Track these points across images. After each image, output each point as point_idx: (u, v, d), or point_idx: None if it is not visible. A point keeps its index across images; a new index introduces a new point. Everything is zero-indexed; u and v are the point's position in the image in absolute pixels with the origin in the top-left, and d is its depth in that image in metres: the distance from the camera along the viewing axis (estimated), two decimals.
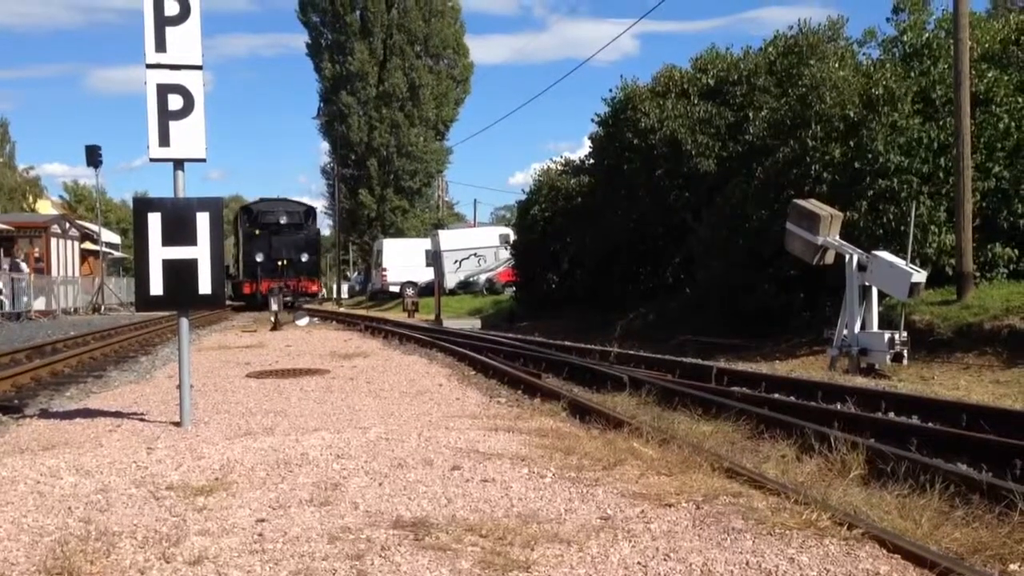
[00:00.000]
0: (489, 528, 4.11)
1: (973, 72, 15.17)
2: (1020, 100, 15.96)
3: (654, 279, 24.32)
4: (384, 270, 42.68)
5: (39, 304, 29.93)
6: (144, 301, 7.27)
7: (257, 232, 36.58)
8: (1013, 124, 15.64)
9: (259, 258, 35.89)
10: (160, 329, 20.39)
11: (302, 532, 4.13)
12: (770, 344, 15.83)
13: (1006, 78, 16.13)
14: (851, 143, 16.19)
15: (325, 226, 57.73)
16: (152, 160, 7.14)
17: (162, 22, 7.10)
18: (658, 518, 4.27)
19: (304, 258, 36.82)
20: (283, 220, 36.87)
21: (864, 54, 19.62)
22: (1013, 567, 3.82)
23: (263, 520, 4.34)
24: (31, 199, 55.34)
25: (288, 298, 33.77)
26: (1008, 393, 10.26)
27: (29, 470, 5.49)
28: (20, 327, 23.71)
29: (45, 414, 8.19)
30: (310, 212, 39.99)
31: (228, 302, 45.01)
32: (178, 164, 7.25)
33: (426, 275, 38.15)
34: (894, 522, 4.37)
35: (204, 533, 4.13)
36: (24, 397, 9.85)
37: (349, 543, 3.96)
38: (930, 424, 7.52)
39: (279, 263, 35.82)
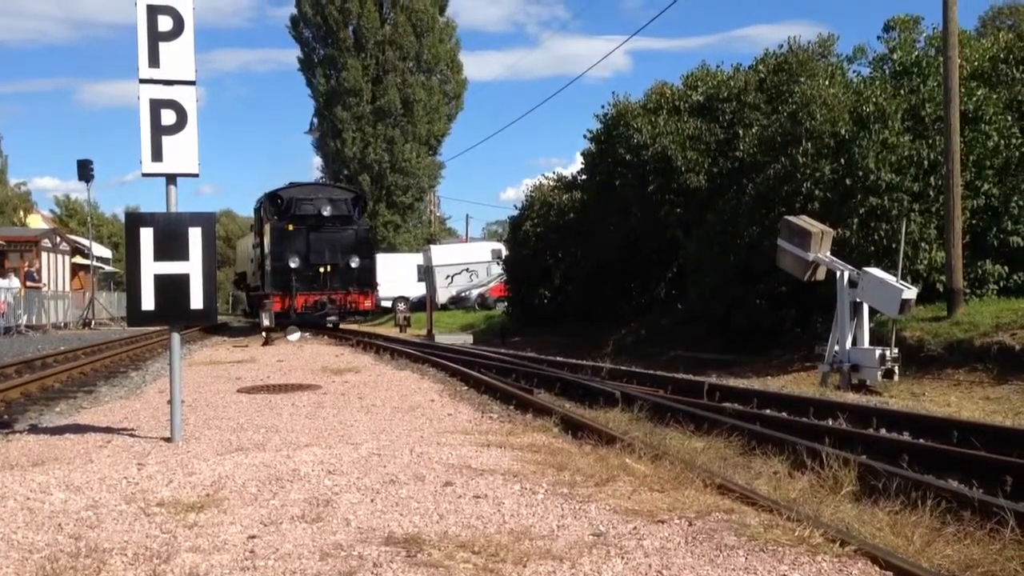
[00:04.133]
0: (481, 544, 4.10)
1: (962, 90, 15.30)
2: (1009, 118, 16.10)
3: (646, 295, 24.39)
4: (376, 285, 42.44)
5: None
6: (135, 316, 7.26)
7: (290, 227, 26.77)
8: (1002, 142, 15.77)
9: (294, 263, 26.18)
10: (151, 344, 20.32)
11: (293, 549, 4.11)
12: (762, 360, 15.87)
13: (995, 96, 16.26)
14: (842, 160, 16.28)
15: None
16: (144, 175, 7.13)
17: (156, 37, 7.12)
18: (651, 535, 4.26)
19: (354, 263, 26.94)
20: (326, 211, 27.04)
21: (854, 71, 19.84)
22: None
23: (254, 537, 4.31)
24: (22, 214, 55.16)
25: (333, 317, 27.02)
26: (998, 409, 10.30)
27: (19, 486, 5.45)
28: (10, 341, 23.61)
29: (35, 430, 8.14)
30: (359, 200, 29.58)
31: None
32: (171, 179, 7.24)
33: (418, 290, 38.16)
34: (886, 539, 4.38)
35: (195, 550, 4.11)
36: (13, 412, 9.79)
37: (341, 560, 3.94)
38: (921, 440, 7.55)
39: (321, 270, 26.65)
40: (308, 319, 25.81)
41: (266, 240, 27.67)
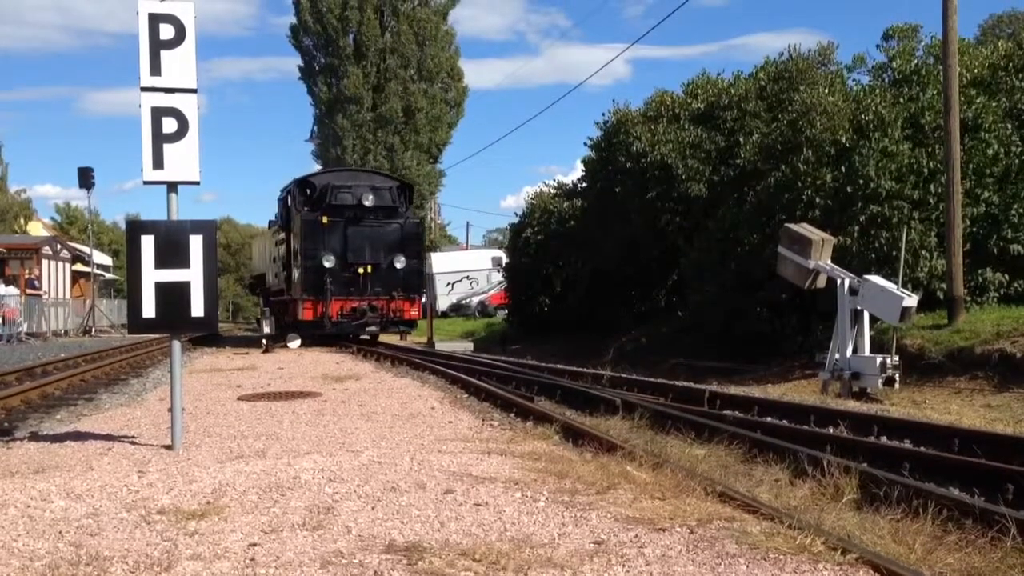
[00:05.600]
0: (482, 552, 4.09)
1: (962, 98, 15.32)
2: (1009, 126, 16.12)
3: (646, 302, 24.40)
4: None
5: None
6: (136, 323, 7.26)
7: (325, 220, 22.33)
8: (1002, 150, 15.79)
9: (328, 262, 21.94)
10: (151, 351, 20.31)
11: (294, 556, 4.11)
12: (762, 368, 15.86)
13: (995, 104, 16.29)
14: (842, 168, 16.30)
15: None
16: (146, 183, 7.15)
17: (157, 45, 7.14)
18: (652, 543, 4.26)
19: (399, 263, 22.67)
20: (368, 201, 22.60)
21: (854, 80, 19.84)
22: None
23: (255, 544, 4.31)
24: (22, 221, 55.18)
25: (374, 327, 22.74)
26: (1000, 417, 10.29)
27: (19, 494, 5.45)
28: (10, 349, 23.60)
29: (35, 437, 8.14)
30: (405, 189, 24.92)
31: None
32: (172, 187, 7.26)
33: None
34: (888, 547, 4.37)
35: (196, 558, 4.10)
36: (14, 420, 9.78)
37: (342, 568, 3.94)
38: (922, 448, 7.53)
39: (360, 271, 22.40)
40: (345, 329, 22.58)
41: (295, 235, 23.18)
